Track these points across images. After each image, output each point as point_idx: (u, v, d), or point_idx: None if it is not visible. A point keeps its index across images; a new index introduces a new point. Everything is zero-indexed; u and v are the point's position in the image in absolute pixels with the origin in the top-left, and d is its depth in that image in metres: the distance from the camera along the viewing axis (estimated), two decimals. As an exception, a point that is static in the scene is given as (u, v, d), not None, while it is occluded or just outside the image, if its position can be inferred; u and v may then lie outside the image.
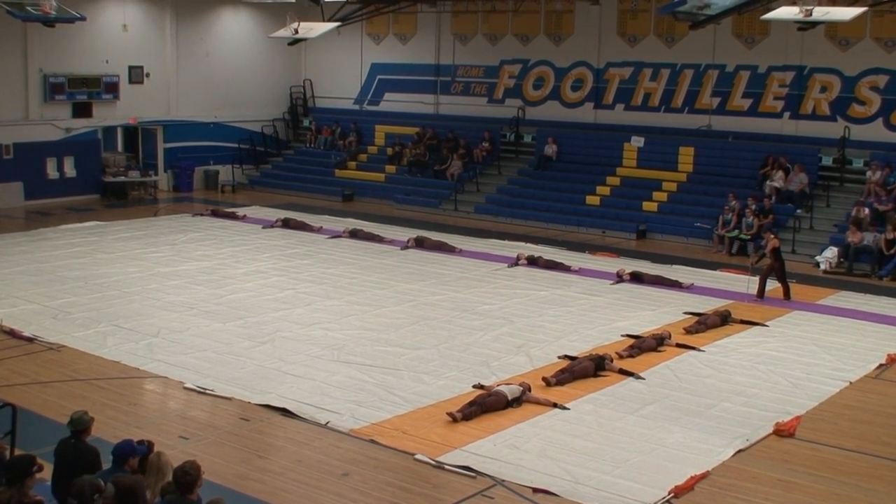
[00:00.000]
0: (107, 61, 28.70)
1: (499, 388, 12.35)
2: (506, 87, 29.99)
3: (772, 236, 18.73)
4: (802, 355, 14.71)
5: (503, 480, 10.02)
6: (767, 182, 23.78)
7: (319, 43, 30.42)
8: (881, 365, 14.43)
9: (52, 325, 15.18)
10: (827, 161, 24.23)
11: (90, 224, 24.18)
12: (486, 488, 9.87)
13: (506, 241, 23.13)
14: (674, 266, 20.79)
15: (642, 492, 9.81)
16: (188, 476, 7.23)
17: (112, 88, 28.75)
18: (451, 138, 29.37)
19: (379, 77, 32.62)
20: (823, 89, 24.80)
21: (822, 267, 21.06)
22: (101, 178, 28.68)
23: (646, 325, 16.12)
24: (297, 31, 22.84)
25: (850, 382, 13.60)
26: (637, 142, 26.44)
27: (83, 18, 22.91)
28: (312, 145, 32.78)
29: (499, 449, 10.83)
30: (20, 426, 9.35)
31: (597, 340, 15.16)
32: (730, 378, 13.56)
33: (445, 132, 29.71)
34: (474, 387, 12.72)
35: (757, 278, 18.28)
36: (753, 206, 22.50)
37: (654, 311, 17.17)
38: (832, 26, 22.84)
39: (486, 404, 11.87)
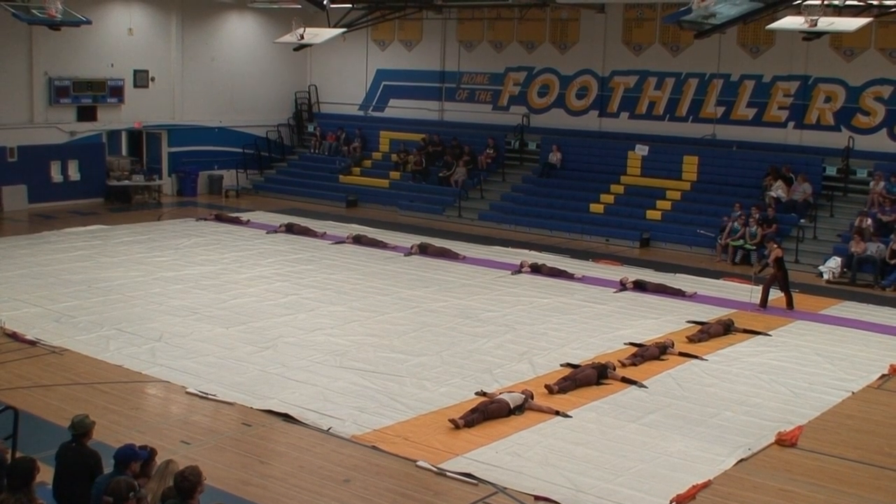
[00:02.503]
0: (112, 65, 28.75)
1: (501, 395, 12.35)
2: (510, 94, 30.01)
3: (775, 246, 18.74)
4: (805, 365, 14.70)
5: (505, 488, 10.01)
6: (767, 193, 23.77)
7: (325, 49, 30.54)
8: (884, 375, 14.41)
9: (55, 329, 15.18)
10: (831, 171, 24.26)
11: (94, 228, 24.21)
12: (487, 496, 9.86)
13: (509, 249, 23.12)
14: (677, 275, 20.78)
15: (644, 500, 9.81)
16: (186, 482, 7.24)
17: (117, 92, 28.78)
18: (455, 145, 29.40)
19: (384, 83, 32.65)
20: (828, 99, 24.80)
21: (825, 277, 21.05)
22: (105, 182, 28.72)
23: (649, 333, 16.12)
24: (302, 37, 22.89)
25: (853, 392, 13.58)
26: (641, 150, 26.44)
27: (89, 22, 22.93)
28: (317, 151, 32.80)
29: (501, 456, 10.82)
30: (22, 429, 9.35)
31: (599, 348, 15.15)
32: (732, 387, 13.55)
33: (450, 139, 29.74)
34: (477, 394, 12.72)
35: (760, 287, 18.27)
36: (757, 216, 22.51)
37: (657, 319, 17.16)
38: (837, 36, 22.86)
39: (489, 411, 11.87)
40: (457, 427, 11.53)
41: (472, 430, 11.52)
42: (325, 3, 23.71)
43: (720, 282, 20.44)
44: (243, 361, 13.90)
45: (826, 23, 18.45)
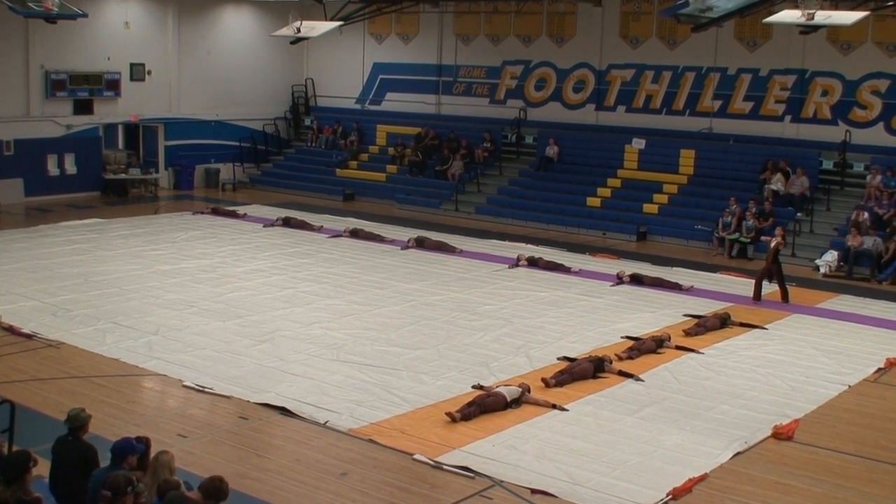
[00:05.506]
0: (108, 58, 28.69)
1: (498, 388, 12.35)
2: (507, 87, 29.98)
3: (780, 232, 18.79)
4: (801, 358, 14.72)
5: (501, 481, 10.03)
6: (766, 186, 23.79)
7: (322, 42, 30.43)
8: (880, 369, 14.43)
9: (52, 322, 15.17)
10: (828, 165, 24.26)
11: (90, 221, 24.18)
12: (484, 489, 9.87)
13: (506, 242, 23.13)
14: (674, 268, 20.79)
15: (640, 493, 9.81)
16: (221, 487, 7.36)
17: (113, 85, 28.74)
18: (452, 139, 29.38)
19: (381, 77, 32.62)
20: (825, 93, 24.81)
21: (822, 270, 21.07)
22: (101, 176, 28.67)
23: (645, 326, 16.12)
24: (299, 30, 22.81)
25: (849, 386, 13.60)
26: (638, 144, 26.43)
27: (85, 15, 22.88)
28: (314, 144, 32.77)
29: (497, 449, 10.83)
30: (18, 423, 9.33)
31: (596, 342, 15.16)
32: (728, 381, 13.56)
33: (447, 132, 29.72)
34: (473, 387, 12.73)
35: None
36: (754, 210, 22.52)
37: (654, 313, 17.17)
38: (834, 30, 22.83)
39: (486, 405, 11.87)
40: (453, 420, 11.54)
41: (468, 424, 11.53)
42: (321, -4, 23.67)
43: (717, 275, 20.45)
44: (240, 355, 13.90)
45: (823, 16, 18.41)
